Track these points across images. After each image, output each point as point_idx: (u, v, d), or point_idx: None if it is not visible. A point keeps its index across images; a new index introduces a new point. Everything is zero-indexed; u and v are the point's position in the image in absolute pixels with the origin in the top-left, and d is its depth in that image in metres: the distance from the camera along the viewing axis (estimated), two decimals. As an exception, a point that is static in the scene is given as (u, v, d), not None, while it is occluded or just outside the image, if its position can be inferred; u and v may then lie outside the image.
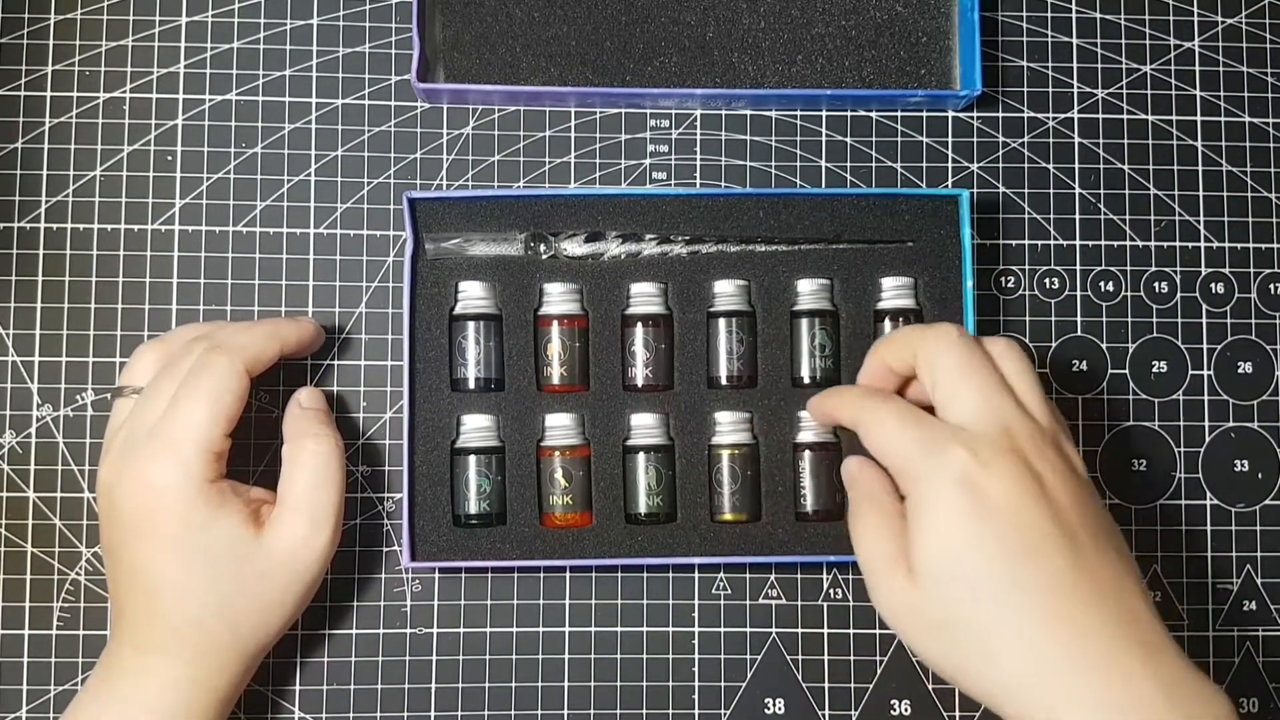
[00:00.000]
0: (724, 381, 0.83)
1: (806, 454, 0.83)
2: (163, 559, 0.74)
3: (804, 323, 0.84)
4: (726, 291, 0.84)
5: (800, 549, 0.83)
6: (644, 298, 0.83)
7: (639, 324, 0.83)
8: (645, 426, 0.83)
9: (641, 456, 0.83)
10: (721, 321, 0.83)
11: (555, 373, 0.83)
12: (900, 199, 0.85)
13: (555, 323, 0.83)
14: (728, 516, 0.83)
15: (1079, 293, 0.89)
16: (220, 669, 0.75)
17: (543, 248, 0.83)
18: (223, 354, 0.76)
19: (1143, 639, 0.65)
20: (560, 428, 0.83)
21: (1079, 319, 0.89)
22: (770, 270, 0.84)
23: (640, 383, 0.83)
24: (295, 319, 0.83)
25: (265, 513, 0.77)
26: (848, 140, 0.90)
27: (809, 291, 0.84)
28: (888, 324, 0.84)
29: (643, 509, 0.83)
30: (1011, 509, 0.66)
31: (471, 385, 0.82)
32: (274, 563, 0.76)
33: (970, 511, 0.66)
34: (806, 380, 0.84)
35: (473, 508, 0.82)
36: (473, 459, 0.82)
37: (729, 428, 0.83)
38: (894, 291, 0.84)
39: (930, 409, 0.72)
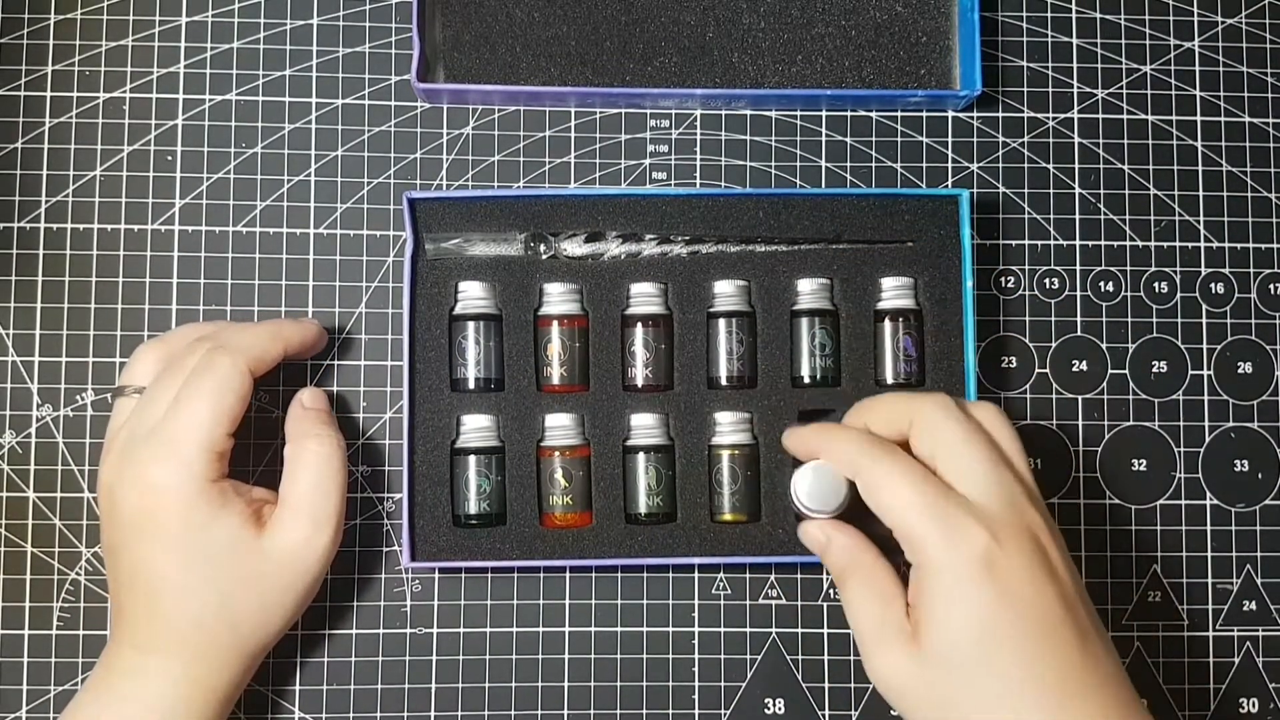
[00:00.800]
0: (724, 382, 0.83)
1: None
2: (163, 559, 0.74)
3: (804, 322, 0.84)
4: (726, 292, 0.83)
5: (800, 549, 0.82)
6: (644, 298, 0.83)
7: (639, 324, 0.83)
8: (645, 427, 0.83)
9: (641, 457, 0.83)
10: (721, 322, 0.83)
11: (555, 373, 0.83)
12: (900, 199, 0.85)
13: (555, 323, 0.83)
14: (728, 517, 0.83)
15: (1079, 293, 0.89)
16: (220, 669, 0.75)
17: (543, 248, 0.83)
18: (226, 354, 0.76)
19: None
20: (560, 428, 0.83)
21: (1079, 319, 0.89)
22: (770, 270, 0.84)
23: (640, 383, 0.83)
24: (298, 320, 0.83)
25: (267, 513, 0.77)
26: (848, 140, 0.90)
27: (809, 291, 0.84)
28: (888, 324, 0.84)
29: (643, 509, 0.83)
30: (1029, 594, 0.66)
31: (471, 385, 0.82)
32: (275, 563, 0.76)
33: (992, 599, 0.66)
34: (806, 380, 0.84)
35: (473, 508, 0.82)
36: (472, 459, 0.82)
37: (729, 428, 0.83)
38: (894, 291, 0.84)
39: None
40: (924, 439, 0.71)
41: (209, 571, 0.74)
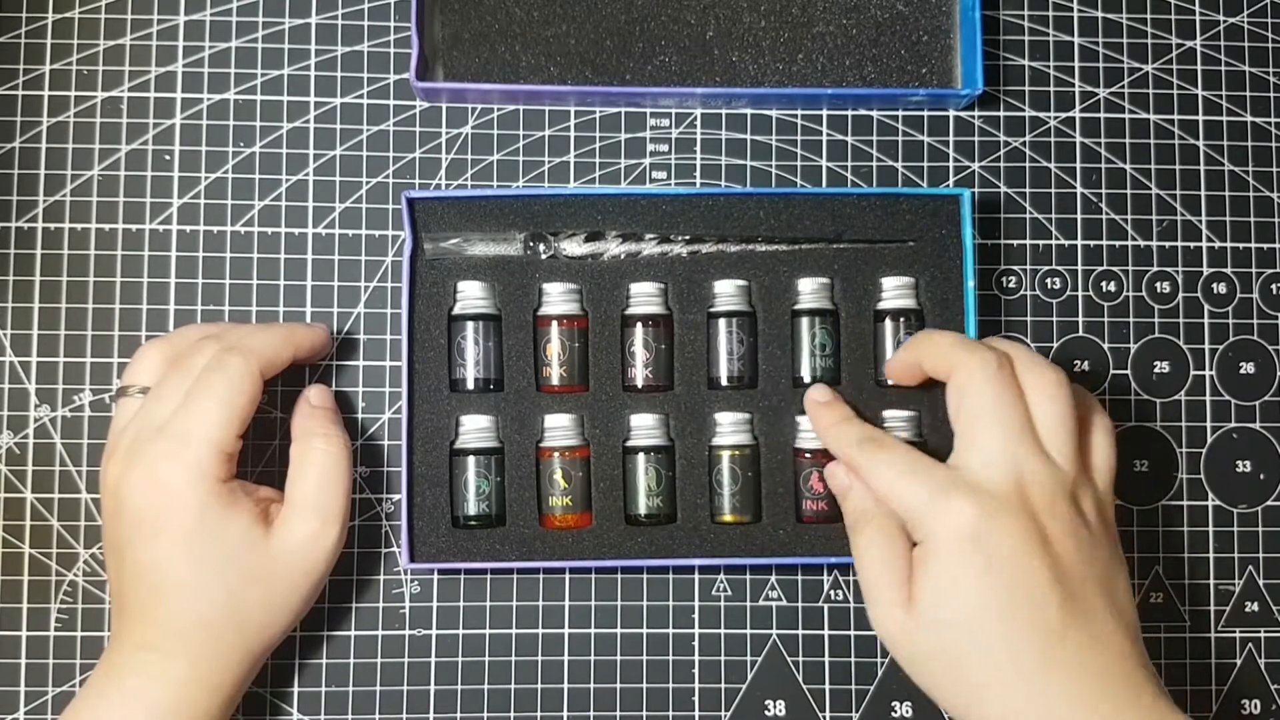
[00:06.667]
0: (724, 382, 0.83)
1: (807, 458, 0.83)
2: (172, 558, 0.74)
3: (804, 322, 0.83)
4: (727, 291, 0.83)
5: (801, 550, 0.83)
6: (644, 298, 0.83)
7: (639, 324, 0.83)
8: (645, 427, 0.83)
9: (641, 457, 0.82)
10: (722, 322, 0.83)
11: (555, 373, 0.82)
12: (901, 198, 0.85)
13: (555, 323, 0.82)
14: (728, 518, 0.83)
15: (1081, 293, 0.89)
16: (225, 668, 0.75)
17: (542, 247, 0.83)
18: (238, 354, 0.76)
19: (1129, 686, 0.68)
20: (560, 428, 0.82)
21: (1080, 319, 0.89)
22: (771, 270, 0.84)
23: (640, 383, 0.83)
24: (310, 325, 0.84)
25: (273, 512, 0.77)
26: (849, 140, 0.89)
27: (809, 291, 0.83)
28: (888, 324, 0.83)
29: (642, 510, 0.82)
30: (1012, 564, 0.68)
31: (470, 386, 0.82)
32: (282, 562, 0.76)
33: (973, 565, 0.69)
34: (807, 380, 0.83)
35: (472, 509, 0.82)
36: (472, 460, 0.82)
37: (729, 428, 0.83)
38: (895, 291, 0.83)
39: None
40: (952, 396, 0.74)
41: (218, 571, 0.74)
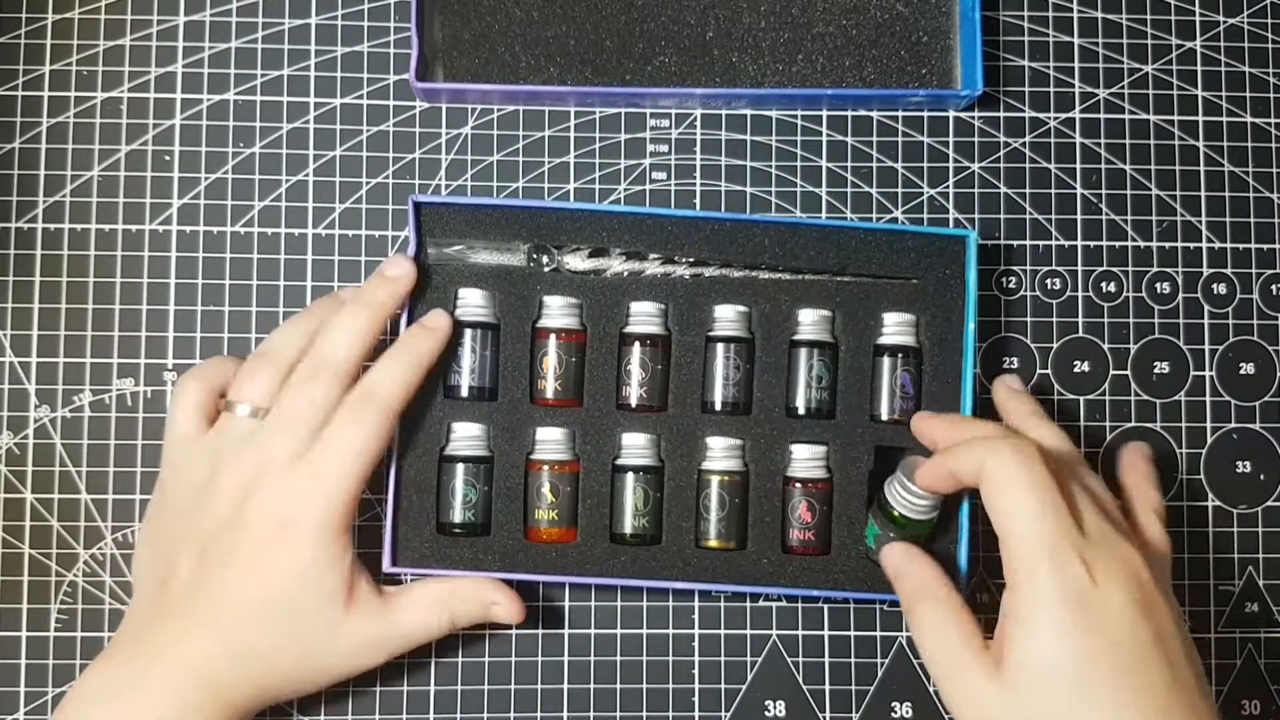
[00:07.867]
0: (718, 407, 0.83)
1: (797, 488, 0.83)
2: (255, 584, 0.73)
3: (802, 353, 0.83)
4: (727, 317, 0.83)
5: (784, 581, 0.82)
6: (643, 317, 0.83)
7: (637, 343, 0.83)
8: (636, 447, 0.82)
9: (630, 476, 0.82)
10: (720, 346, 0.83)
11: (549, 386, 0.82)
12: (907, 235, 0.84)
13: (553, 336, 0.82)
14: (713, 543, 0.82)
15: (1081, 293, 0.89)
16: (232, 709, 0.74)
17: (545, 260, 0.83)
18: (375, 411, 0.75)
19: None
20: (551, 442, 0.82)
21: (1080, 320, 0.89)
22: (772, 298, 0.83)
23: (634, 402, 0.83)
24: (426, 330, 0.81)
25: (358, 584, 0.76)
26: (848, 140, 0.89)
27: (810, 322, 0.83)
28: (886, 360, 0.83)
29: (628, 529, 0.82)
30: (1122, 627, 0.67)
31: (464, 393, 0.82)
32: (348, 642, 0.76)
33: (1082, 627, 0.66)
34: (801, 411, 0.83)
35: (457, 516, 0.82)
36: (460, 467, 0.82)
37: (720, 454, 0.82)
38: (895, 327, 0.83)
39: None
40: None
41: (290, 631, 0.74)
